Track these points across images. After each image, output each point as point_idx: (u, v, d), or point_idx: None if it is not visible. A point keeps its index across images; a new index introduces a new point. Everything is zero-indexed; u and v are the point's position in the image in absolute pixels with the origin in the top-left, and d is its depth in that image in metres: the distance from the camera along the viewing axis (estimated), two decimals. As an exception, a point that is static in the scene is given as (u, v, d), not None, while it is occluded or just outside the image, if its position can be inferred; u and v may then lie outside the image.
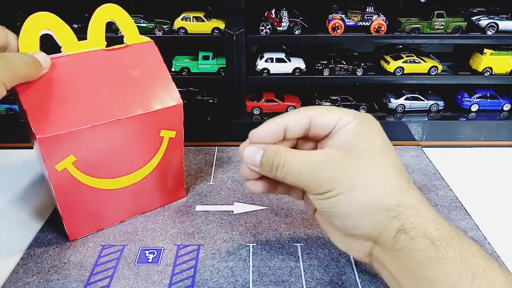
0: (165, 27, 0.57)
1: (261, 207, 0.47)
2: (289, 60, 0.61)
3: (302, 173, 0.30)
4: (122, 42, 0.41)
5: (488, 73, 0.60)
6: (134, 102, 0.39)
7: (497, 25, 0.56)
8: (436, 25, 0.57)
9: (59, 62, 0.37)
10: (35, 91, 0.35)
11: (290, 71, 0.61)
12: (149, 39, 0.43)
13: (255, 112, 0.63)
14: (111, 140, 0.39)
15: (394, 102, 0.63)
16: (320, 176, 0.29)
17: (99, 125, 0.37)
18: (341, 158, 0.29)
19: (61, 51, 0.38)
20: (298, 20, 0.57)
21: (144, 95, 0.40)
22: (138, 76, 0.41)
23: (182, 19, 0.57)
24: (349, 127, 0.30)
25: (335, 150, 0.30)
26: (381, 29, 0.57)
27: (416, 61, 0.60)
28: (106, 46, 0.40)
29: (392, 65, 0.60)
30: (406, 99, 0.64)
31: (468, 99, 0.64)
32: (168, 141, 0.43)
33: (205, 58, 0.60)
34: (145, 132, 0.41)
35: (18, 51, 0.35)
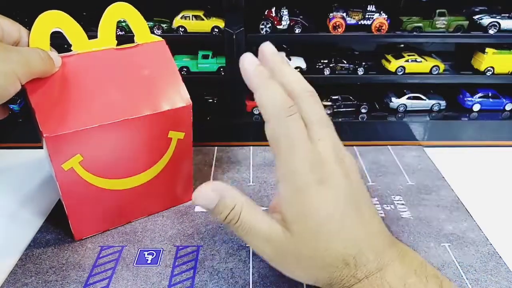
0: (164, 26, 0.57)
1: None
2: (290, 59, 0.60)
3: (252, 245, 0.30)
4: (133, 41, 0.41)
5: (490, 73, 0.59)
6: (143, 102, 0.39)
7: (499, 24, 0.56)
8: (437, 24, 0.57)
9: (68, 61, 0.37)
10: (44, 90, 0.35)
11: (291, 71, 0.60)
12: (161, 39, 0.43)
13: (255, 112, 0.63)
14: (118, 140, 0.38)
15: (395, 102, 0.63)
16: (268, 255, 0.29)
17: (107, 125, 0.37)
18: (286, 242, 0.28)
19: (71, 50, 0.38)
20: (299, 19, 0.57)
21: (153, 95, 0.40)
22: (148, 76, 0.40)
23: (181, 18, 0.56)
24: (281, 194, 0.28)
25: (278, 226, 0.28)
26: (383, 28, 0.56)
27: (418, 60, 0.60)
28: (117, 45, 0.40)
29: (393, 64, 0.60)
30: (408, 98, 0.63)
31: (470, 98, 0.63)
32: (177, 142, 0.42)
33: (205, 57, 0.59)
34: (153, 133, 0.40)
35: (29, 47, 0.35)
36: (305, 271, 0.29)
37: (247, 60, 0.29)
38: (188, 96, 0.41)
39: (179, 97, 0.41)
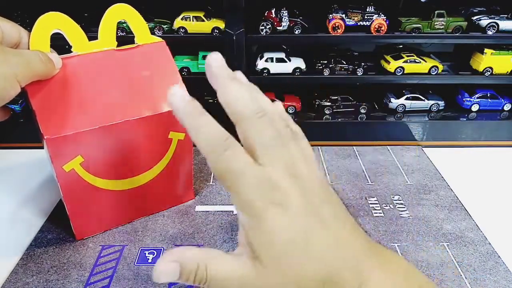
0: (165, 27, 0.57)
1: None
2: (289, 60, 0.61)
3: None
4: (133, 42, 0.41)
5: (489, 73, 0.60)
6: (143, 103, 0.39)
7: (498, 25, 0.56)
8: (436, 24, 0.57)
9: (69, 62, 0.37)
10: (45, 92, 0.35)
11: (290, 71, 0.60)
12: (161, 39, 0.43)
13: (255, 112, 0.63)
14: (119, 141, 0.39)
15: (394, 102, 0.63)
16: None
17: (108, 126, 0.37)
18: (259, 277, 0.25)
19: (71, 51, 0.38)
20: (298, 19, 0.57)
21: (154, 96, 0.40)
22: (148, 77, 0.40)
23: (182, 19, 0.57)
24: (243, 226, 0.26)
25: (248, 261, 0.26)
26: (382, 28, 0.56)
27: (417, 61, 0.60)
28: (117, 46, 0.40)
29: (392, 65, 0.60)
30: (407, 99, 0.63)
31: (468, 99, 0.64)
32: (177, 143, 0.43)
33: (205, 58, 0.59)
34: (153, 134, 0.41)
35: (29, 49, 0.36)
36: None
37: (177, 97, 0.28)
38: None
39: None
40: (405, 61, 0.60)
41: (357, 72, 0.61)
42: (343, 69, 0.61)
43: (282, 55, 0.61)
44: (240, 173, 0.25)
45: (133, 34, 0.41)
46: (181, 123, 0.27)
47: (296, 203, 0.25)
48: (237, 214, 0.26)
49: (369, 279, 0.25)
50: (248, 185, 0.25)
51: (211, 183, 0.52)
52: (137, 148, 0.40)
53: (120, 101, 0.38)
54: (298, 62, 0.61)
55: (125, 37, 0.52)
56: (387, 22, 0.56)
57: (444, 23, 0.57)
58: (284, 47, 0.64)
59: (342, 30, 0.56)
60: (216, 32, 0.56)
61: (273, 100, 0.62)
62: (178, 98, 0.27)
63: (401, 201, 0.48)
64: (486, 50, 0.59)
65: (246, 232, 0.26)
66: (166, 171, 0.43)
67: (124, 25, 0.54)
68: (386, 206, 0.48)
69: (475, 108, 0.64)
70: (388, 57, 0.62)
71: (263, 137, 0.26)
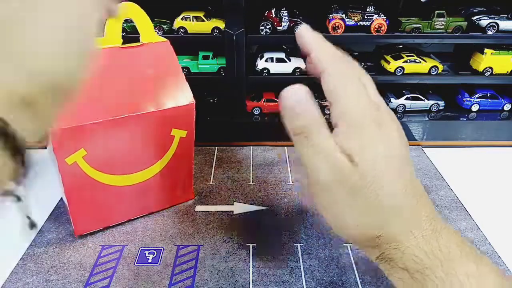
0: (165, 26, 0.57)
1: (261, 207, 0.47)
2: (289, 60, 0.61)
3: (311, 163, 0.28)
4: (132, 42, 0.42)
5: (489, 73, 0.60)
6: (147, 100, 0.40)
7: (498, 24, 0.56)
8: (436, 24, 0.57)
9: None
10: None
11: (290, 71, 0.60)
12: (165, 39, 0.43)
13: (255, 112, 0.63)
14: (122, 136, 0.39)
15: (394, 102, 0.63)
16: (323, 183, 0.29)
17: (111, 121, 0.37)
18: (346, 168, 0.27)
19: None
20: (298, 19, 0.57)
21: (157, 93, 0.40)
22: (152, 75, 0.41)
23: (182, 19, 0.57)
24: (338, 130, 0.28)
25: (342, 156, 0.28)
26: (382, 28, 0.56)
27: (417, 61, 0.60)
28: (122, 44, 0.40)
29: (392, 65, 0.60)
30: (407, 99, 0.63)
31: (468, 99, 0.64)
32: (179, 141, 0.43)
33: (205, 58, 0.60)
34: (156, 130, 0.41)
35: None
36: (358, 210, 0.27)
37: (304, 28, 0.32)
38: (191, 95, 0.42)
39: (183, 95, 0.41)
40: (405, 61, 0.60)
41: (357, 72, 0.61)
42: (343, 69, 0.61)
43: (282, 55, 0.61)
44: (353, 80, 0.29)
45: (133, 34, 0.41)
46: (308, 47, 0.32)
47: (394, 131, 0.29)
48: (333, 124, 0.29)
49: (442, 229, 0.27)
50: (359, 97, 0.28)
51: (211, 183, 0.52)
52: (140, 144, 0.41)
53: (124, 96, 0.39)
54: (298, 62, 0.61)
55: (125, 37, 0.52)
56: (387, 22, 0.56)
57: (444, 23, 0.57)
58: (284, 47, 0.64)
59: (342, 30, 0.56)
60: (216, 32, 0.56)
61: (273, 101, 0.63)
62: (305, 28, 0.32)
63: (401, 201, 0.48)
64: (486, 50, 0.59)
65: (342, 137, 0.27)
66: (167, 169, 0.44)
67: (125, 25, 0.54)
68: (386, 206, 0.48)
69: (475, 108, 0.64)
70: (388, 57, 0.62)
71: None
